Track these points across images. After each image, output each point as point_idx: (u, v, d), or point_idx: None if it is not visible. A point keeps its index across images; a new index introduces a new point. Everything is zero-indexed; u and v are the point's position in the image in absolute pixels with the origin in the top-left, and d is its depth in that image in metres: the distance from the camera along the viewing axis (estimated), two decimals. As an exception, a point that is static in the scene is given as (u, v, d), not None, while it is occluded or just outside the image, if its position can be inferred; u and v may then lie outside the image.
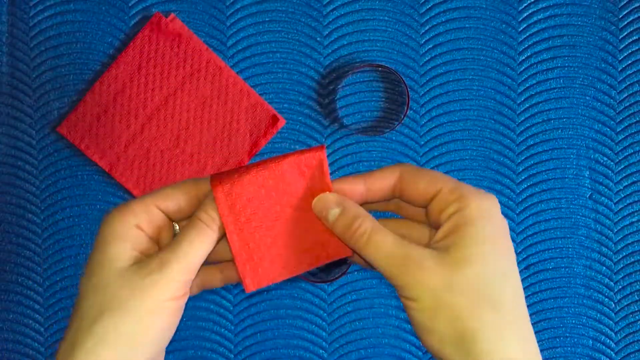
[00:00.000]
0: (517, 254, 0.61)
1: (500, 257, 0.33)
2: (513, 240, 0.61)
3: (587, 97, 0.60)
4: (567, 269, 0.61)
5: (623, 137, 0.60)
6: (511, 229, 0.60)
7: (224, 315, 0.61)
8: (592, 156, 0.60)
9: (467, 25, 0.60)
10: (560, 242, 0.61)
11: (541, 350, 0.61)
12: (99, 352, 0.32)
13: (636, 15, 0.60)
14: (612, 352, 0.61)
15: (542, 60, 0.60)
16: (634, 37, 0.60)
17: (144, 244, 0.35)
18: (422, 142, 0.60)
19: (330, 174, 0.41)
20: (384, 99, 0.60)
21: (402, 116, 0.59)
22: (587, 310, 0.61)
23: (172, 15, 0.59)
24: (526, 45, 0.60)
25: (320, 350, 0.61)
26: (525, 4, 0.60)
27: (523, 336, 0.33)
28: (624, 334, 0.61)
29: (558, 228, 0.61)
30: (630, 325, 0.61)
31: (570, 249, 0.61)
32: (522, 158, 0.61)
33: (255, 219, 0.36)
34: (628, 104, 0.60)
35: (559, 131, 0.60)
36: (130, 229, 0.34)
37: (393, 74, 0.59)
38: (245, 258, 0.36)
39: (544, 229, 0.61)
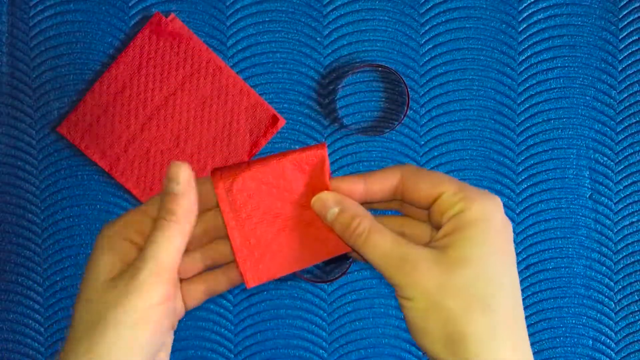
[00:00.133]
0: (517, 254, 0.61)
1: (498, 259, 0.33)
2: (513, 241, 0.61)
3: (587, 97, 0.60)
4: (567, 269, 0.61)
5: (623, 137, 0.60)
6: (511, 229, 0.60)
7: (224, 315, 0.61)
8: (592, 156, 0.60)
9: (467, 25, 0.60)
10: (560, 242, 0.61)
11: (541, 350, 0.61)
12: None
13: (636, 15, 0.60)
14: (612, 352, 0.61)
15: (542, 60, 0.60)
16: (634, 37, 0.60)
17: (132, 255, 0.34)
18: (422, 142, 0.60)
19: (331, 173, 0.41)
20: (384, 99, 0.60)
21: (402, 116, 0.59)
22: (587, 310, 0.61)
23: (172, 15, 0.59)
24: (526, 45, 0.60)
25: (320, 350, 0.61)
26: (525, 4, 0.60)
27: (516, 340, 0.32)
28: (624, 334, 0.61)
29: (558, 228, 0.61)
30: (630, 325, 0.61)
31: (570, 249, 0.61)
32: (522, 158, 0.61)
33: (256, 215, 0.36)
34: (628, 104, 0.60)
35: (559, 131, 0.60)
36: (117, 242, 0.34)
37: (393, 74, 0.59)
38: (246, 254, 0.36)
39: (544, 229, 0.61)
